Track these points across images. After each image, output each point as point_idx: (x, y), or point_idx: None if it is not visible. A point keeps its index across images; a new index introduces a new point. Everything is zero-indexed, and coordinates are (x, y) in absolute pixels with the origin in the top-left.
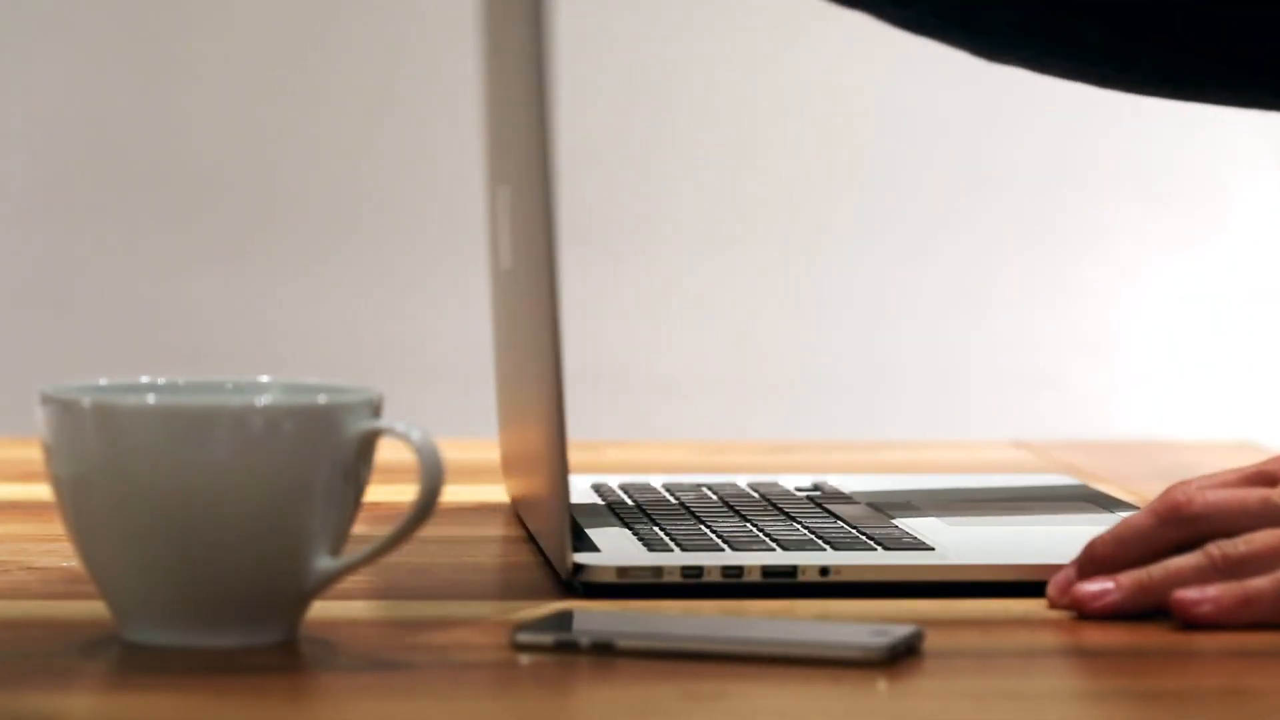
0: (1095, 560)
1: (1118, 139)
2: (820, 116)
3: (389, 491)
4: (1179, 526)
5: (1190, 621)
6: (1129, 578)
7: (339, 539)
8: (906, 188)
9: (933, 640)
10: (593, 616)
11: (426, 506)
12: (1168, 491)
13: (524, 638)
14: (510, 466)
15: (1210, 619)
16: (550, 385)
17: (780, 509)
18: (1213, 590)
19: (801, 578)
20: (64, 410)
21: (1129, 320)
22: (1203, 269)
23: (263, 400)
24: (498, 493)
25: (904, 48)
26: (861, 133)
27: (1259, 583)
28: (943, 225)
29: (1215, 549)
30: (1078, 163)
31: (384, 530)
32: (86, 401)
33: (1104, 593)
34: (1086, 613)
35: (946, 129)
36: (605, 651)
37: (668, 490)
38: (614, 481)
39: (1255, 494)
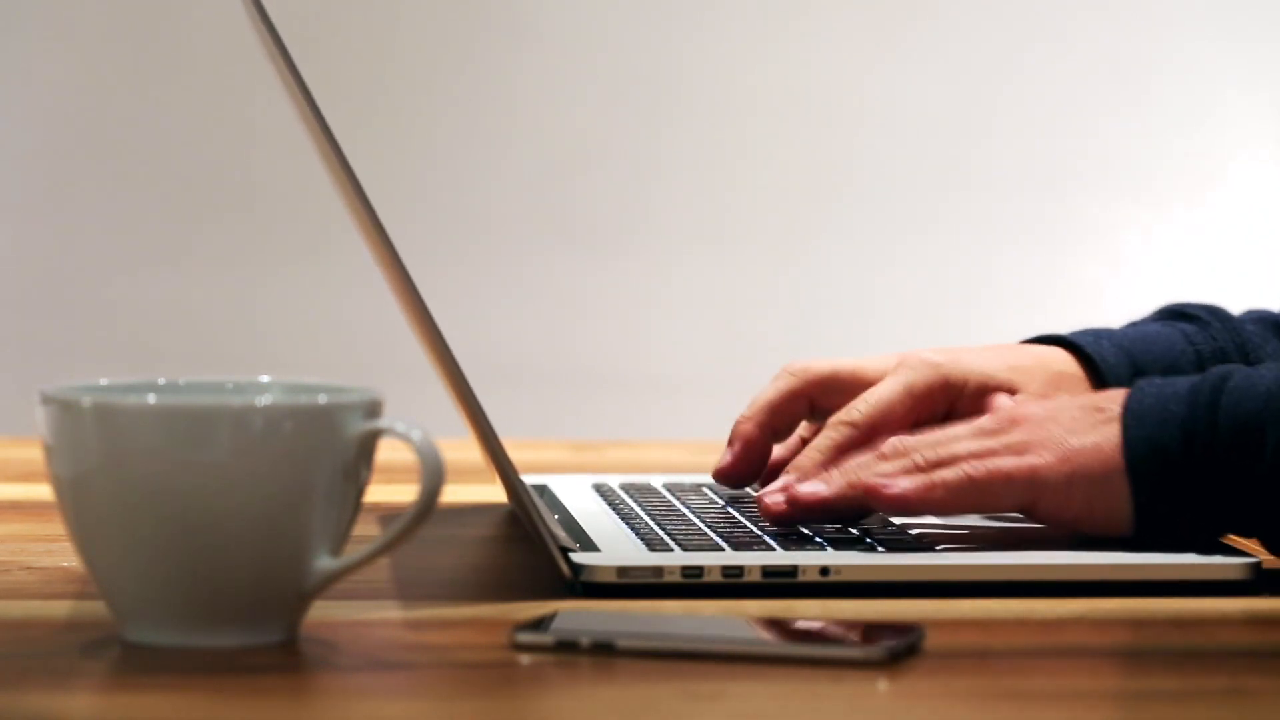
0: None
1: (1115, 137)
2: (819, 114)
3: (389, 491)
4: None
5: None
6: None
7: (339, 539)
8: (903, 185)
9: (933, 640)
10: (593, 616)
11: (426, 506)
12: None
13: (524, 638)
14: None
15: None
16: (462, 386)
17: None
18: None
19: (801, 578)
20: (64, 410)
21: (1127, 318)
22: (1201, 267)
23: (263, 400)
24: (498, 493)
25: (899, 45)
26: (858, 130)
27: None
28: (939, 223)
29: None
30: (1074, 160)
31: (384, 530)
32: (86, 401)
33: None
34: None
35: (942, 127)
36: (605, 651)
37: (668, 490)
38: (614, 481)
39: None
